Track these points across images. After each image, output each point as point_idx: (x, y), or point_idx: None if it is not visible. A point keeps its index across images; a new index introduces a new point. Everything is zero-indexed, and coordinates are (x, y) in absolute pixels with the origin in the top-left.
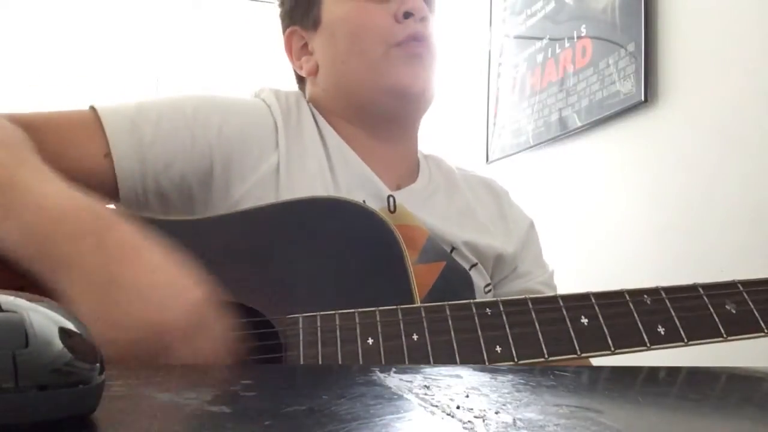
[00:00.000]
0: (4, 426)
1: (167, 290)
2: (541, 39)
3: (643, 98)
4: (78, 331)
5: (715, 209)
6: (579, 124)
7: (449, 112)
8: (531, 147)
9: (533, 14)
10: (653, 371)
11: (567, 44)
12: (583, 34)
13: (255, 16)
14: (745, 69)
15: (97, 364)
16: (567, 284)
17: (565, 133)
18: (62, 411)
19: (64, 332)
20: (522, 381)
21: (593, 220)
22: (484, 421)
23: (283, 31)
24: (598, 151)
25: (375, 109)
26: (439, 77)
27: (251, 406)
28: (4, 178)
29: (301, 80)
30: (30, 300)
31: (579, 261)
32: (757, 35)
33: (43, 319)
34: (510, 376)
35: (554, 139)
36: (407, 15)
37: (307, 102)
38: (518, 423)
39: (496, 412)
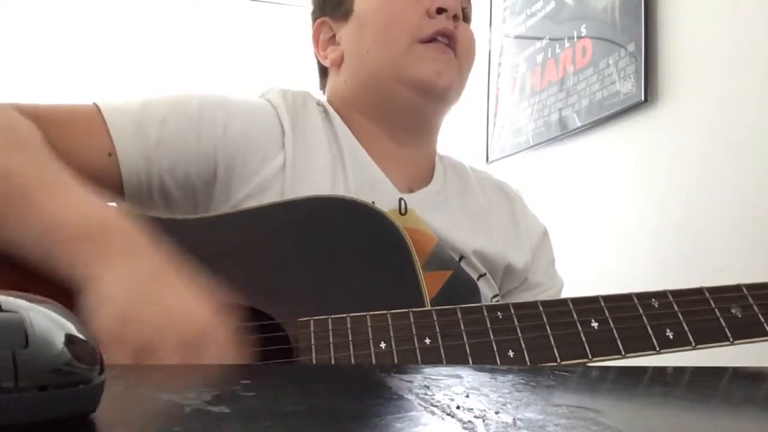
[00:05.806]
0: (4, 426)
1: (189, 306)
2: (541, 39)
3: (643, 98)
4: (78, 332)
5: (715, 209)
6: (579, 124)
7: (449, 112)
8: (531, 147)
9: (533, 14)
10: (653, 371)
11: (567, 44)
12: (583, 34)
13: (255, 16)
14: (745, 69)
15: (97, 365)
16: (567, 285)
17: (565, 133)
18: (62, 411)
19: (64, 332)
20: (522, 381)
21: (593, 219)
22: (484, 421)
23: (313, 22)
24: (598, 151)
25: (394, 101)
26: (467, 81)
27: (251, 406)
28: (26, 187)
29: (323, 74)
30: (32, 300)
31: (578, 261)
32: (758, 35)
33: (44, 319)
34: (510, 376)
35: (554, 139)
36: (440, 11)
37: (318, 102)
38: (518, 423)
39: (496, 412)
